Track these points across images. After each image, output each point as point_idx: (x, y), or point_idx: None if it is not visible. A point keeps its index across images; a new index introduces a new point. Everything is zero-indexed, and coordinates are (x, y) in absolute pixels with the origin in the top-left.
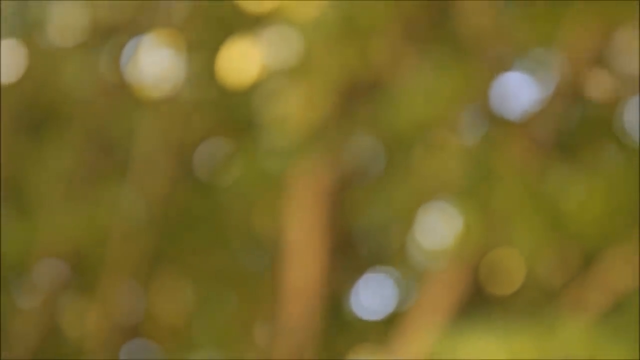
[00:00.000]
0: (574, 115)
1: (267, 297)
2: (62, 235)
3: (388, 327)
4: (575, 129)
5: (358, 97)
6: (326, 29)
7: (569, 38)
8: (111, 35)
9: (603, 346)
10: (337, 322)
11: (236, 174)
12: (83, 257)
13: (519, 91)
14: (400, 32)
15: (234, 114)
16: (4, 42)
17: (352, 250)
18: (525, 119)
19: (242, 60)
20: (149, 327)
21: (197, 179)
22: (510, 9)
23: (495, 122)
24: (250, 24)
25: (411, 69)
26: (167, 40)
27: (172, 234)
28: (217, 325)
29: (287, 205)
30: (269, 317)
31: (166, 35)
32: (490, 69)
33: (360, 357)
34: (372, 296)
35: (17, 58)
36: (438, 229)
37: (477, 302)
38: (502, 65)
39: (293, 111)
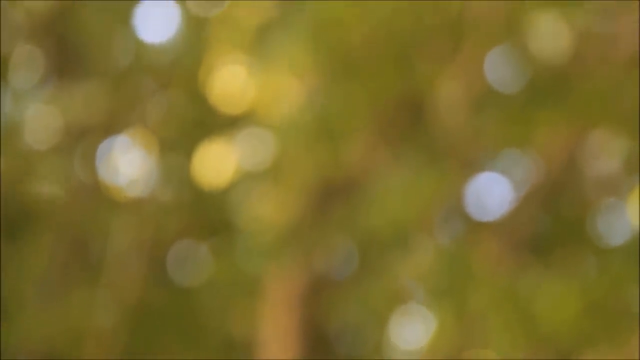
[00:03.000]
0: (548, 216)
1: None
2: (36, 335)
3: None
4: (549, 230)
5: (333, 198)
6: (301, 130)
7: (542, 141)
8: (85, 136)
9: None
10: None
11: (210, 275)
12: (57, 357)
13: (493, 192)
14: (375, 133)
15: (209, 214)
16: None
17: (327, 351)
18: (499, 219)
19: (216, 162)
20: None
21: (171, 280)
22: (483, 112)
23: (470, 223)
24: (225, 125)
25: (386, 170)
26: (142, 141)
27: (146, 334)
28: None
29: (262, 306)
30: None
31: (140, 136)
32: (464, 170)
33: None
34: None
35: None
36: (413, 328)
37: None
38: (476, 167)
39: (267, 212)
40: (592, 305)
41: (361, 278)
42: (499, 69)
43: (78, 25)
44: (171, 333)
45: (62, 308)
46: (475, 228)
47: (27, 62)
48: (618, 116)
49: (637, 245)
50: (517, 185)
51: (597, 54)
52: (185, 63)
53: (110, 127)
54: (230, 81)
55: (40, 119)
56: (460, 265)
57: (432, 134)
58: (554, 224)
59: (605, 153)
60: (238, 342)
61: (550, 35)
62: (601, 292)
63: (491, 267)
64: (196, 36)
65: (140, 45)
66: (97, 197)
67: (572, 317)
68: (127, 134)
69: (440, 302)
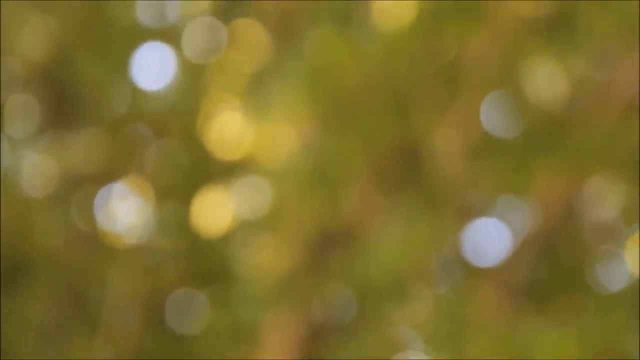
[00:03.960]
0: (546, 263)
1: None
2: None
3: None
4: (547, 277)
5: (330, 245)
6: (297, 177)
7: (540, 187)
8: (83, 184)
9: None
10: None
11: (208, 323)
12: None
13: (490, 239)
14: (371, 181)
15: (206, 262)
16: None
17: None
18: (497, 266)
19: (214, 209)
20: None
21: (169, 328)
22: (480, 159)
23: (468, 270)
24: (222, 172)
25: (383, 218)
26: (139, 189)
27: None
28: None
29: (260, 354)
30: None
31: (138, 184)
32: (461, 217)
33: None
34: None
35: None
36: None
37: None
38: (474, 213)
39: (265, 260)
40: (591, 353)
41: (359, 326)
42: (495, 116)
43: (74, 74)
44: None
45: (60, 356)
46: (473, 275)
47: (24, 111)
48: (616, 163)
49: (636, 292)
50: (514, 231)
51: (594, 101)
52: (182, 110)
53: (108, 175)
54: (227, 128)
55: (37, 168)
56: (457, 313)
57: (429, 181)
58: (551, 270)
59: (603, 200)
60: None
61: (548, 81)
62: (600, 340)
63: (489, 314)
64: (193, 83)
65: (137, 92)
66: (94, 244)
67: None
68: (124, 181)
69: (438, 350)
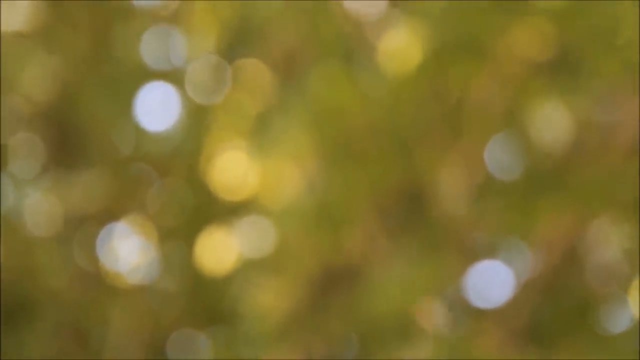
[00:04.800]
0: (549, 304)
1: None
2: None
3: None
4: (550, 318)
5: (333, 285)
6: (301, 218)
7: (543, 229)
8: (85, 224)
9: None
10: None
11: None
12: None
13: (494, 280)
14: (375, 221)
15: (208, 302)
16: None
17: None
18: (500, 308)
19: (217, 249)
20: None
21: None
22: (484, 200)
23: (470, 311)
24: (226, 212)
25: (386, 258)
26: (142, 229)
27: None
28: None
29: None
30: None
31: (141, 224)
32: (465, 258)
33: None
34: None
35: None
36: None
37: None
38: (477, 254)
39: (268, 300)
40: None
41: None
42: (499, 157)
43: (78, 113)
44: None
45: None
46: (476, 316)
47: (27, 150)
48: (620, 205)
49: (639, 334)
50: (518, 273)
51: (598, 143)
52: (185, 150)
53: (111, 214)
54: (231, 168)
55: (40, 207)
56: (460, 354)
57: (433, 221)
58: (555, 313)
59: (607, 242)
60: None
61: (551, 123)
62: None
63: (492, 355)
64: (197, 123)
65: (140, 132)
66: (97, 284)
67: None
68: (127, 221)
69: None
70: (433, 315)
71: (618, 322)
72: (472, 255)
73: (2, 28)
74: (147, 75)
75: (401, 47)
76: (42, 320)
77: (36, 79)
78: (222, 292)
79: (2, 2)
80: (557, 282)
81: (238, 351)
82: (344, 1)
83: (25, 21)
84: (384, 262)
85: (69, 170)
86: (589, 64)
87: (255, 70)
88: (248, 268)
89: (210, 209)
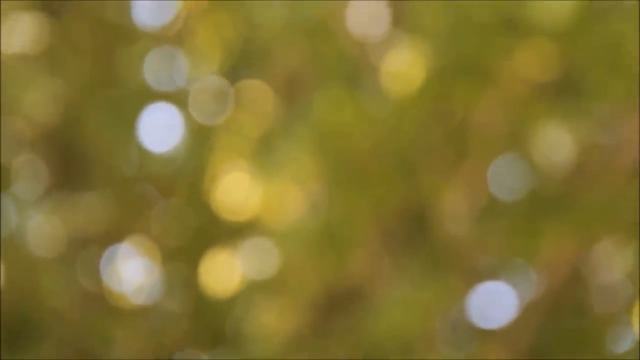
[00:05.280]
0: (552, 326)
1: None
2: None
3: None
4: (553, 340)
5: (336, 307)
6: (305, 239)
7: (546, 250)
8: (89, 245)
9: None
10: None
11: None
12: None
13: (497, 302)
14: (379, 243)
15: (212, 324)
16: None
17: None
18: (503, 329)
19: (220, 270)
20: None
21: None
22: (487, 221)
23: (474, 333)
24: (229, 233)
25: (389, 280)
26: (145, 250)
27: None
28: None
29: None
30: None
31: (144, 245)
32: (468, 280)
33: None
34: None
35: None
36: None
37: None
38: (480, 276)
39: (271, 322)
40: None
41: None
42: (502, 179)
43: (81, 135)
44: None
45: None
46: (480, 337)
47: (30, 172)
48: (623, 226)
49: None
50: (521, 294)
51: (601, 164)
52: (189, 171)
53: (114, 235)
54: (234, 189)
55: (43, 229)
56: None
57: (436, 243)
58: (558, 334)
59: (610, 263)
60: None
61: (554, 145)
62: None
63: None
64: (200, 144)
65: (144, 154)
66: (100, 305)
67: None
68: (130, 242)
69: None
70: (436, 337)
71: (621, 343)
72: (476, 276)
73: (5, 50)
74: (150, 96)
75: (404, 68)
76: (45, 341)
77: (39, 101)
78: (226, 313)
79: (5, 24)
80: (561, 303)
81: None
82: (347, 22)
83: (29, 43)
84: (387, 284)
85: (72, 192)
86: (592, 85)
87: (258, 92)
88: (251, 289)
89: (213, 230)
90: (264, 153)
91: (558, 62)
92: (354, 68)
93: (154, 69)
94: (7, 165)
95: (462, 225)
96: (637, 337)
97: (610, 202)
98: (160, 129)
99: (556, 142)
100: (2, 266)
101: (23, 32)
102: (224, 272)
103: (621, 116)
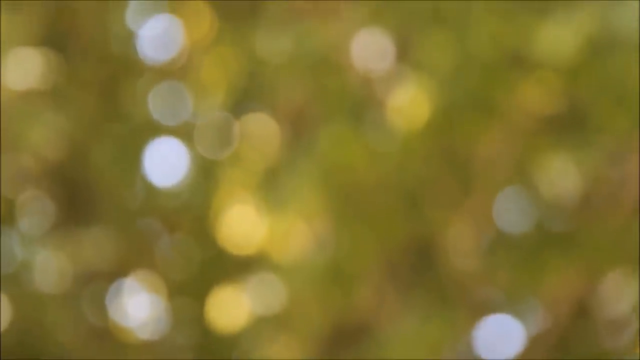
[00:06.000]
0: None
1: None
2: None
3: None
4: None
5: (342, 342)
6: (311, 274)
7: (553, 283)
8: (95, 280)
9: None
10: None
11: None
12: None
13: (503, 335)
14: (385, 277)
15: (218, 358)
16: None
17: None
18: None
19: (227, 305)
20: None
21: None
22: (493, 255)
23: None
24: (235, 268)
25: (396, 314)
26: (151, 284)
27: None
28: None
29: None
30: None
31: (150, 279)
32: (474, 314)
33: None
34: None
35: (3, 307)
36: None
37: None
38: (486, 310)
39: (277, 357)
40: None
41: None
42: (508, 212)
43: (87, 170)
44: None
45: None
46: None
47: (36, 208)
48: (630, 260)
49: None
50: (528, 328)
51: (607, 197)
52: (194, 205)
53: (120, 270)
54: (240, 224)
55: (49, 264)
56: None
57: (443, 277)
58: None
59: (616, 297)
60: None
61: (560, 178)
62: None
63: None
64: (206, 178)
65: (149, 188)
66: (107, 340)
67: None
68: (136, 277)
69: None
70: None
71: None
72: (482, 310)
73: (11, 86)
74: (155, 131)
75: (409, 103)
76: None
77: (45, 136)
78: (232, 348)
79: (11, 61)
80: (567, 336)
81: None
82: (352, 57)
83: (34, 78)
84: (393, 318)
85: (78, 227)
86: (597, 119)
87: (263, 125)
88: (258, 324)
89: (219, 264)
90: (269, 187)
91: (563, 96)
92: (359, 103)
93: (159, 103)
94: (13, 201)
95: (468, 259)
96: None
97: (616, 235)
98: (165, 164)
99: (562, 176)
100: (7, 302)
101: (28, 68)
102: (230, 306)
103: (626, 150)
